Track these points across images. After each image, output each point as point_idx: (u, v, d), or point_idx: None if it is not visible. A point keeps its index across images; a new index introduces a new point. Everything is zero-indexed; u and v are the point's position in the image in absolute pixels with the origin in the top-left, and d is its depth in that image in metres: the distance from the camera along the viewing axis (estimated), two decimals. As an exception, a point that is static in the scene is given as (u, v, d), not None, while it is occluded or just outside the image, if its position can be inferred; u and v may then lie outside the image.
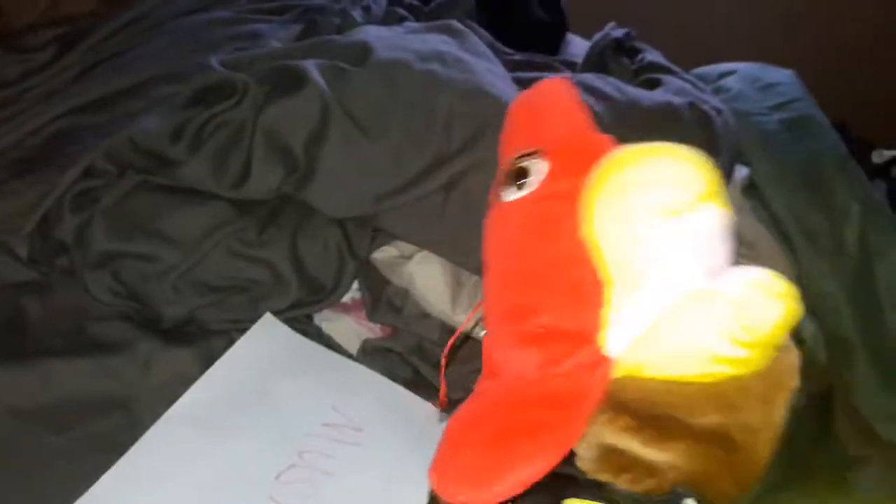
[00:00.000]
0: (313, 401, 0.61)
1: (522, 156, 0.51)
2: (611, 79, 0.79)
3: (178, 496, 0.53)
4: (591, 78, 0.78)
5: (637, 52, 0.95)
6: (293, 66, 0.68)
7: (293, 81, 0.66)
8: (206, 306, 0.64)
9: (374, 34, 0.78)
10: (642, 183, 0.44)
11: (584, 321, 0.45)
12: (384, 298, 0.68)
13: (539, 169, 0.50)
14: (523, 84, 0.79)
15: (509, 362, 0.47)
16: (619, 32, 0.97)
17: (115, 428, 0.55)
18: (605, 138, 0.51)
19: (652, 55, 0.93)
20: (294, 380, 0.62)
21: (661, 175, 0.45)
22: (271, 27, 0.83)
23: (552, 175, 0.49)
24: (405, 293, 0.68)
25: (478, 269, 0.67)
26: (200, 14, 0.84)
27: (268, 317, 0.65)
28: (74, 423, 0.55)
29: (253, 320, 0.64)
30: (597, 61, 0.94)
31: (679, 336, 0.43)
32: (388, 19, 0.92)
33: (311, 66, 0.68)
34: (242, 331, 0.63)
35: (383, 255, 0.69)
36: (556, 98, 0.55)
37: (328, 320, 0.69)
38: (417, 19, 0.95)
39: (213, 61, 0.72)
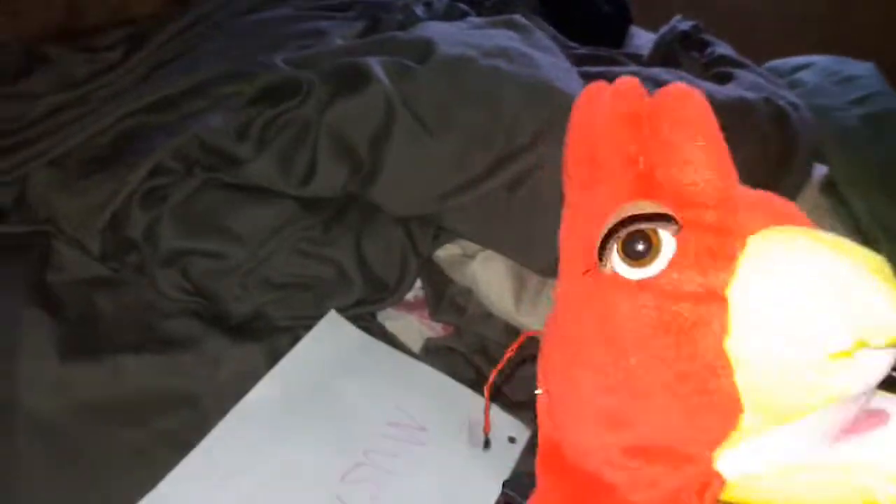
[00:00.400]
0: (378, 399, 0.61)
1: (643, 217, 0.35)
2: (681, 73, 0.77)
3: (244, 494, 0.53)
4: (660, 72, 0.76)
5: (706, 45, 0.92)
6: (357, 64, 0.68)
7: (357, 79, 0.66)
8: (272, 303, 0.64)
9: (436, 30, 0.78)
10: (814, 304, 0.32)
11: (702, 443, 0.35)
12: (447, 297, 0.67)
13: (667, 244, 0.35)
14: (590, 78, 0.78)
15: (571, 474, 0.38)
16: (686, 25, 0.95)
17: (183, 424, 0.55)
18: (750, 199, 0.36)
19: (722, 48, 0.91)
20: (358, 378, 0.62)
21: (844, 294, 0.32)
22: (334, 24, 0.83)
23: (685, 259, 0.34)
24: (468, 292, 0.68)
25: (542, 270, 0.66)
26: (264, 12, 0.85)
27: (332, 314, 0.65)
28: (144, 418, 0.55)
29: (318, 317, 0.64)
30: (664, 54, 0.91)
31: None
32: (450, 14, 0.91)
33: (375, 64, 0.67)
34: (308, 327, 0.63)
35: (446, 253, 0.69)
36: (692, 123, 0.35)
37: (391, 318, 0.69)
38: (479, 14, 0.94)
39: (278, 60, 0.72)
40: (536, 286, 0.67)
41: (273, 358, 0.61)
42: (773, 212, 0.36)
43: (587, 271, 0.37)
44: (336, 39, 0.79)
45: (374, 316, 0.68)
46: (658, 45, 0.93)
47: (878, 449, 0.34)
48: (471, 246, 0.68)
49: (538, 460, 0.40)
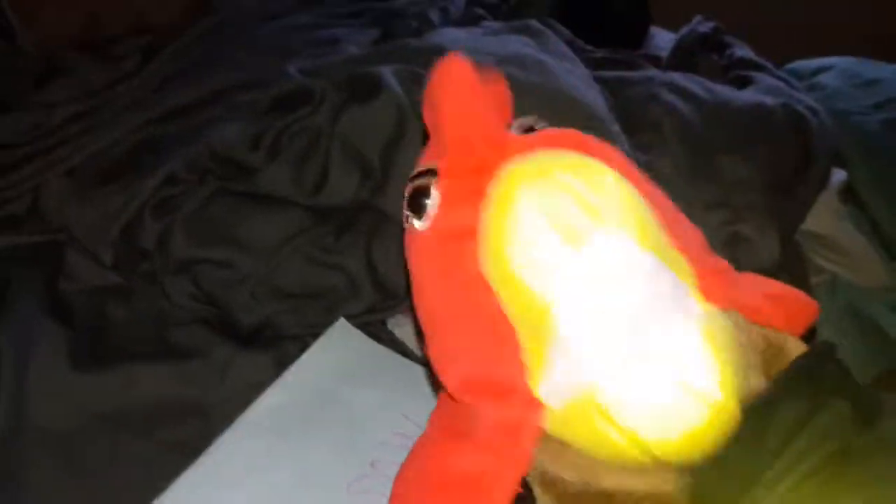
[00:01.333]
0: (385, 408, 0.61)
1: (418, 174, 0.42)
2: (699, 78, 0.76)
3: (250, 502, 0.54)
4: (678, 77, 0.75)
5: (726, 46, 0.91)
6: (369, 73, 0.68)
7: (369, 88, 0.66)
8: (282, 312, 0.64)
9: (450, 37, 0.78)
10: (515, 218, 0.37)
11: (508, 368, 0.38)
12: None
13: (434, 195, 0.40)
14: (606, 83, 0.77)
15: (441, 414, 0.44)
16: (706, 27, 0.93)
17: (192, 433, 0.56)
18: (503, 140, 0.41)
19: (742, 50, 0.89)
20: (366, 386, 0.62)
21: (531, 204, 0.36)
22: (348, 32, 0.83)
23: (446, 202, 0.40)
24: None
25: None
26: (279, 20, 0.85)
27: (341, 322, 0.65)
28: (153, 427, 0.56)
29: (327, 325, 0.64)
30: (683, 57, 0.90)
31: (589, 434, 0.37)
32: (466, 20, 0.91)
33: (387, 73, 0.67)
34: (317, 335, 0.63)
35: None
36: (449, 88, 0.41)
37: (400, 325, 0.69)
38: (496, 18, 0.94)
39: (291, 68, 0.72)
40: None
41: (281, 366, 0.61)
42: (540, 142, 0.41)
43: (403, 229, 0.44)
44: (350, 47, 0.79)
45: (383, 323, 0.68)
46: (677, 48, 0.92)
47: (625, 372, 0.37)
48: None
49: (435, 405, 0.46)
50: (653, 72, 0.84)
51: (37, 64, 0.80)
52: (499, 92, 0.44)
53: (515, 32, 0.80)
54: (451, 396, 0.43)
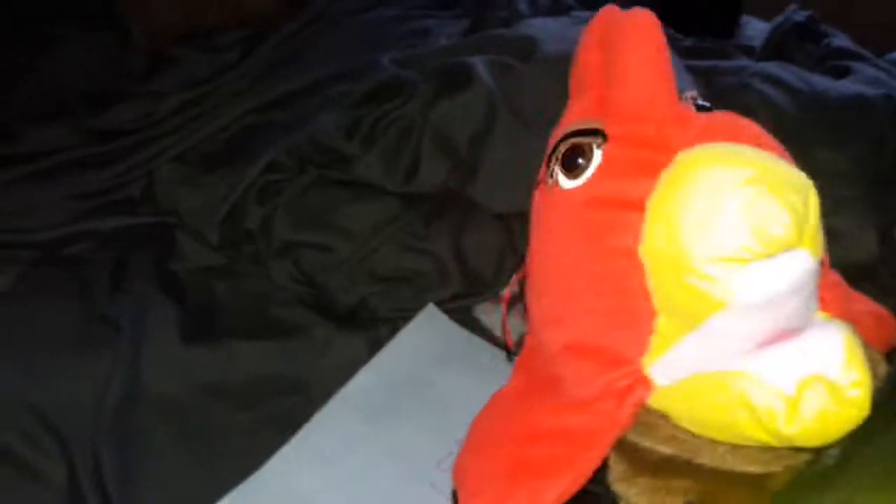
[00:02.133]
0: (471, 391, 0.62)
1: (579, 132, 0.39)
2: (794, 68, 0.74)
3: (344, 476, 0.56)
4: (772, 67, 0.74)
5: (822, 36, 0.88)
6: (460, 64, 0.69)
7: (460, 79, 0.68)
8: (375, 295, 0.67)
9: (540, 27, 0.78)
10: (713, 212, 0.34)
11: (626, 344, 0.38)
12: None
13: (596, 157, 0.38)
14: (697, 72, 0.76)
15: (537, 366, 0.42)
16: (801, 16, 0.91)
17: (293, 408, 0.58)
18: (687, 120, 0.38)
19: (839, 40, 0.87)
20: (453, 369, 0.64)
21: (741, 205, 0.33)
22: (440, 23, 0.85)
23: (611, 168, 0.38)
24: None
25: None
26: (372, 12, 0.87)
27: (430, 307, 0.67)
28: (257, 401, 0.59)
29: (417, 310, 0.66)
30: (777, 47, 0.88)
31: (710, 413, 0.37)
32: (554, 10, 0.91)
33: (478, 64, 0.69)
34: (407, 319, 0.65)
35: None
36: (640, 45, 0.38)
37: (486, 312, 0.70)
38: (585, 8, 0.94)
39: (385, 60, 0.74)
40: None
41: (375, 347, 0.63)
42: (722, 130, 0.38)
43: (539, 183, 0.42)
44: (441, 38, 0.81)
45: (469, 310, 0.69)
46: (771, 37, 0.90)
47: (762, 360, 0.36)
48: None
49: (518, 359, 0.46)
50: (746, 61, 0.82)
51: (146, 56, 0.84)
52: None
53: (605, 22, 0.80)
54: (541, 350, 0.42)
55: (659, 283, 0.36)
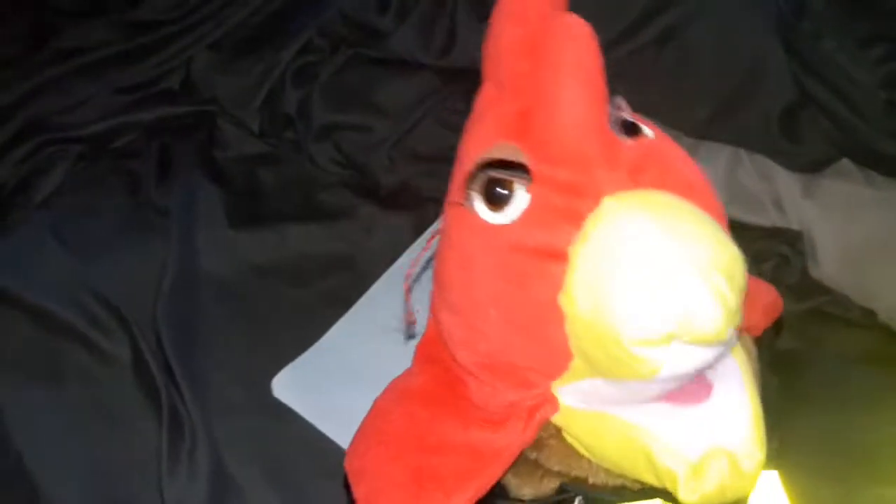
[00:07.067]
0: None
1: (500, 163, 0.35)
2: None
3: (395, 350, 0.57)
4: None
5: None
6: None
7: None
8: (418, 175, 0.66)
9: None
10: (643, 290, 0.32)
11: (538, 373, 0.37)
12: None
13: (521, 196, 0.35)
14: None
15: (443, 358, 0.41)
16: None
17: (342, 284, 0.60)
18: (615, 155, 0.35)
19: None
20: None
21: (673, 294, 0.31)
22: None
23: (535, 213, 0.34)
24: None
25: (693, 131, 0.63)
26: None
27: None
28: (308, 279, 0.60)
29: (462, 188, 0.66)
30: None
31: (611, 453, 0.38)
32: None
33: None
34: (452, 199, 0.65)
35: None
36: (572, 59, 0.34)
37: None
38: None
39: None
40: (687, 149, 0.64)
41: (421, 227, 0.63)
42: (652, 173, 0.35)
43: (453, 203, 0.38)
44: None
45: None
46: None
47: (672, 421, 0.36)
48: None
49: (420, 342, 0.44)
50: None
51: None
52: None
53: None
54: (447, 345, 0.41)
55: (579, 340, 0.34)
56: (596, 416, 0.38)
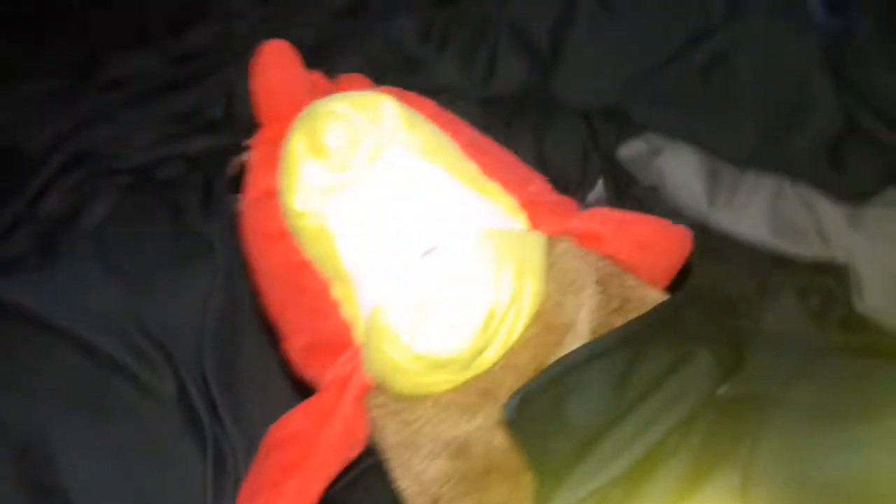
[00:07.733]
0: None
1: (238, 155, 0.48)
2: None
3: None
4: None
5: None
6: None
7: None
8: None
9: None
10: (303, 142, 0.40)
11: (332, 325, 0.41)
12: (630, 196, 0.66)
13: (248, 168, 0.46)
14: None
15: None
16: None
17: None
18: (304, 101, 0.45)
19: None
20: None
21: (321, 127, 0.39)
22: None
23: (255, 172, 0.45)
24: (653, 190, 0.65)
25: (741, 159, 0.62)
26: None
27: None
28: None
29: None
30: None
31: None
32: None
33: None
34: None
35: (630, 150, 0.66)
36: (268, 70, 0.49)
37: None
38: None
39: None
40: (731, 179, 0.63)
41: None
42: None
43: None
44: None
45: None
46: None
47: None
48: (657, 141, 0.65)
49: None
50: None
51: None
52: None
53: None
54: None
55: (304, 249, 0.41)
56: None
